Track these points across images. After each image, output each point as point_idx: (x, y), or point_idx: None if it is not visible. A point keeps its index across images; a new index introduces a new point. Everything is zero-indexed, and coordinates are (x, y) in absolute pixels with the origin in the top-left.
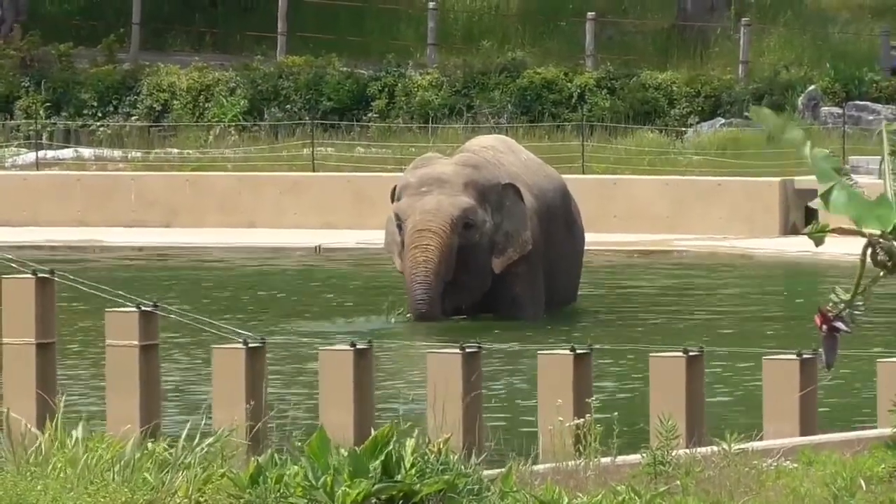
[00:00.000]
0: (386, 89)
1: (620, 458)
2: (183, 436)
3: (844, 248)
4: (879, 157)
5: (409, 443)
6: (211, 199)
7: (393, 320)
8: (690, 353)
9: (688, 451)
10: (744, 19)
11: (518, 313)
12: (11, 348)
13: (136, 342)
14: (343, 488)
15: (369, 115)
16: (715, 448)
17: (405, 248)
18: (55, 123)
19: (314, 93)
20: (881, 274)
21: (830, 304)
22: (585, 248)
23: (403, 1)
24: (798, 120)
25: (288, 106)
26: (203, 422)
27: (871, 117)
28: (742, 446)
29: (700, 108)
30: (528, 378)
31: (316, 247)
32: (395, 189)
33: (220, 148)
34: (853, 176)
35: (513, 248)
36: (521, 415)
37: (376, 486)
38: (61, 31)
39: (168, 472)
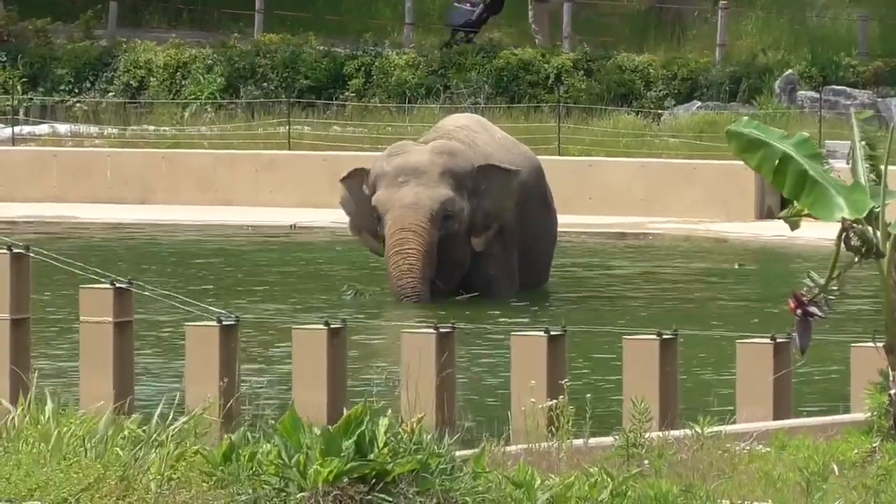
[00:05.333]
0: (363, 68)
1: (593, 440)
2: (156, 413)
3: (819, 233)
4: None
5: (383, 422)
6: (187, 176)
7: (348, 296)
8: (664, 336)
9: (661, 433)
10: (721, 2)
11: (493, 294)
12: None
13: (110, 319)
14: (315, 467)
15: (346, 94)
16: (688, 431)
17: (386, 246)
18: (32, 99)
19: (291, 71)
20: (855, 259)
21: (805, 289)
22: (560, 229)
23: None
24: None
25: (264, 84)
26: (176, 399)
27: (847, 102)
28: (715, 429)
29: (677, 91)
30: (502, 359)
31: (291, 225)
32: (355, 171)
33: (197, 125)
34: (830, 161)
35: (494, 222)
36: (495, 396)
37: (349, 465)
38: (39, 6)
39: (141, 448)
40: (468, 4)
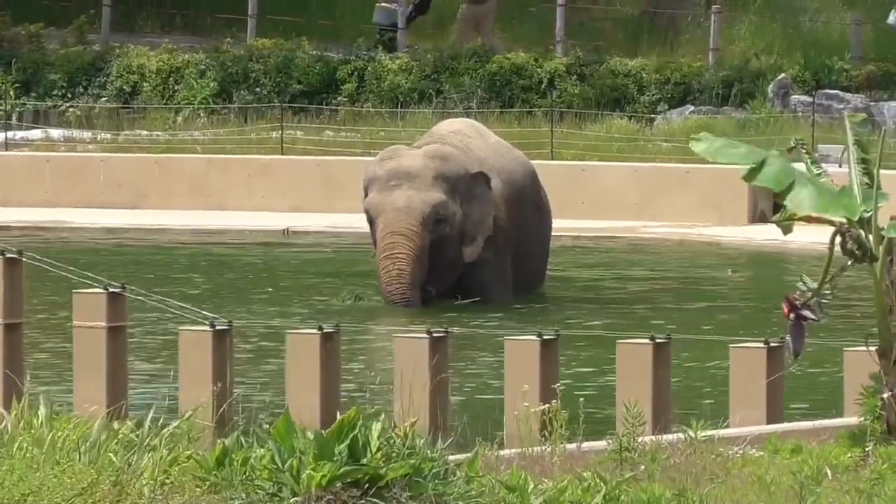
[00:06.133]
0: (356, 73)
1: (586, 445)
2: (149, 417)
3: (812, 237)
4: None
5: (376, 427)
6: (180, 181)
7: (348, 300)
8: (657, 340)
9: (654, 437)
10: (714, 7)
11: (487, 298)
12: None
13: (103, 323)
14: (308, 471)
15: (339, 98)
16: (681, 435)
17: (377, 249)
18: (25, 104)
19: (284, 76)
20: (849, 263)
21: (798, 293)
22: (553, 234)
23: None
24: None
25: (257, 89)
26: (167, 403)
27: (840, 106)
28: (708, 433)
29: (670, 96)
30: (495, 363)
31: (284, 229)
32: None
33: (190, 130)
34: (822, 165)
35: (480, 236)
36: (488, 400)
37: (342, 470)
38: (32, 11)
39: (134, 453)
40: (394, 4)
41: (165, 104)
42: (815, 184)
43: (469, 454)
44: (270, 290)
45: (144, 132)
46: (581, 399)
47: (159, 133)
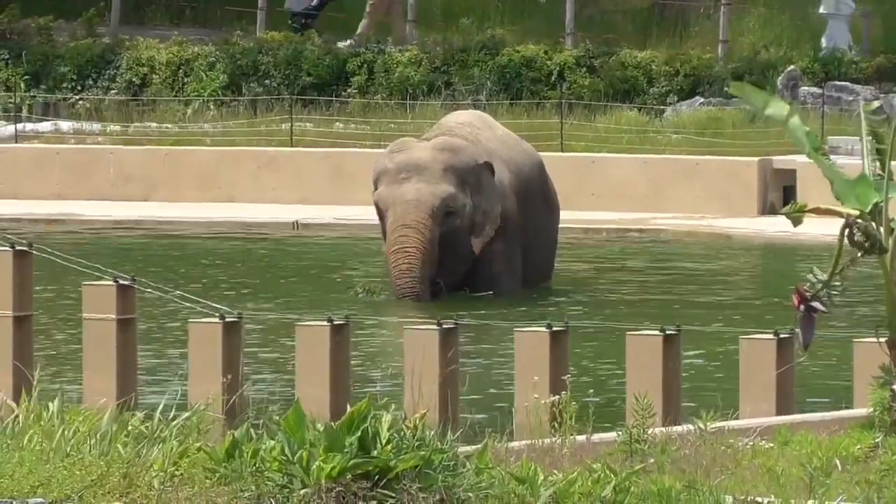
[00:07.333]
0: (365, 65)
1: (596, 436)
2: (159, 409)
3: (822, 229)
4: (858, 138)
5: (386, 418)
6: (189, 173)
7: (360, 295)
8: (667, 332)
9: (664, 429)
10: None
11: (497, 290)
12: None
13: (113, 316)
14: (318, 463)
15: (348, 90)
16: (691, 427)
17: (388, 242)
18: (34, 96)
19: (293, 68)
20: (859, 254)
21: (808, 285)
22: (563, 225)
23: None
24: (778, 95)
25: (267, 81)
26: (178, 395)
27: (850, 98)
28: (718, 425)
29: (679, 88)
30: (504, 355)
31: (294, 222)
32: None
33: (199, 122)
34: (832, 157)
35: (489, 226)
36: (498, 392)
37: (352, 462)
38: (41, 4)
39: (144, 445)
40: None
41: (175, 97)
42: (833, 173)
43: (479, 446)
44: (280, 282)
45: (154, 124)
46: (591, 390)
47: (169, 125)
